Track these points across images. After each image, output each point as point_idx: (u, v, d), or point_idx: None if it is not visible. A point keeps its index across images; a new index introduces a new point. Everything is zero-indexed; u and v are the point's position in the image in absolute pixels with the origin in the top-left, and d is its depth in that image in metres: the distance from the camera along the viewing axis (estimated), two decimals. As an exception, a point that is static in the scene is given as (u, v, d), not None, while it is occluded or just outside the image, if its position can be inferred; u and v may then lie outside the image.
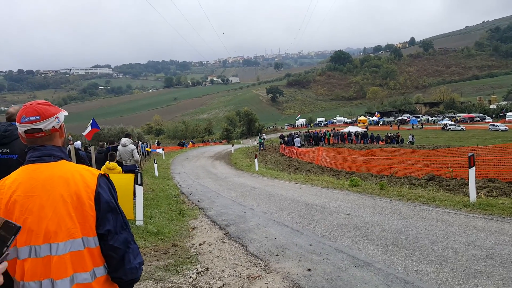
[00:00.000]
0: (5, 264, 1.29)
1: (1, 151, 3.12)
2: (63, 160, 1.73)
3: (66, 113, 1.88)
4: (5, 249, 1.31)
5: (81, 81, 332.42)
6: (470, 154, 8.58)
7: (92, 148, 11.35)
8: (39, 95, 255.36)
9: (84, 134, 18.48)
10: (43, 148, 1.72)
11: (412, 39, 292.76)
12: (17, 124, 1.72)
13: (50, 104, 1.78)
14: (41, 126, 1.69)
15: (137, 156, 11.22)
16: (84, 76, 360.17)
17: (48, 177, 1.64)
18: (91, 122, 17.98)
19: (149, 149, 30.03)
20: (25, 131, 1.70)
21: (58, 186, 1.63)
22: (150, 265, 5.42)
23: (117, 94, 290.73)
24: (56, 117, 1.76)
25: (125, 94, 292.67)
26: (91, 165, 9.13)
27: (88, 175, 1.71)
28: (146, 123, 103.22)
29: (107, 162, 9.35)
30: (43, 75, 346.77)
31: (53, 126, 1.73)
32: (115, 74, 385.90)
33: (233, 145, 42.10)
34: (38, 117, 1.69)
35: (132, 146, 11.18)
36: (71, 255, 1.59)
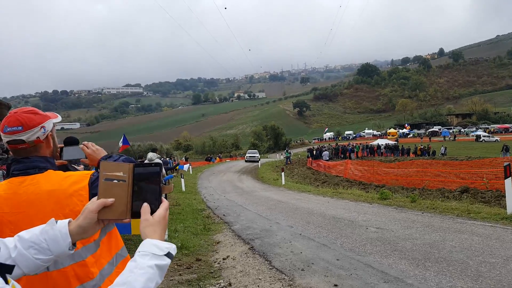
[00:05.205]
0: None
1: None
2: (49, 170, 1.61)
3: (58, 119, 1.75)
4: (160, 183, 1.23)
5: (113, 100, 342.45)
6: (506, 163, 8.17)
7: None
8: (72, 115, 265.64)
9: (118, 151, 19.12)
10: (26, 160, 1.59)
11: (441, 50, 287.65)
12: (0, 134, 1.59)
13: (36, 112, 1.64)
14: (23, 138, 1.55)
15: (163, 171, 11.30)
16: (115, 95, 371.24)
17: (34, 191, 1.52)
18: (122, 139, 18.58)
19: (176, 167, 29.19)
20: (7, 142, 1.57)
21: (45, 200, 1.51)
22: (172, 279, 5.34)
23: (147, 112, 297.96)
24: (42, 127, 1.61)
25: (155, 111, 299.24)
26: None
27: (77, 180, 1.59)
28: (175, 139, 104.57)
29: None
30: (76, 95, 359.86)
31: (38, 137, 1.59)
32: (145, 93, 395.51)
33: (259, 159, 41.99)
34: (20, 127, 1.55)
35: (158, 161, 11.29)
36: (73, 267, 1.51)
